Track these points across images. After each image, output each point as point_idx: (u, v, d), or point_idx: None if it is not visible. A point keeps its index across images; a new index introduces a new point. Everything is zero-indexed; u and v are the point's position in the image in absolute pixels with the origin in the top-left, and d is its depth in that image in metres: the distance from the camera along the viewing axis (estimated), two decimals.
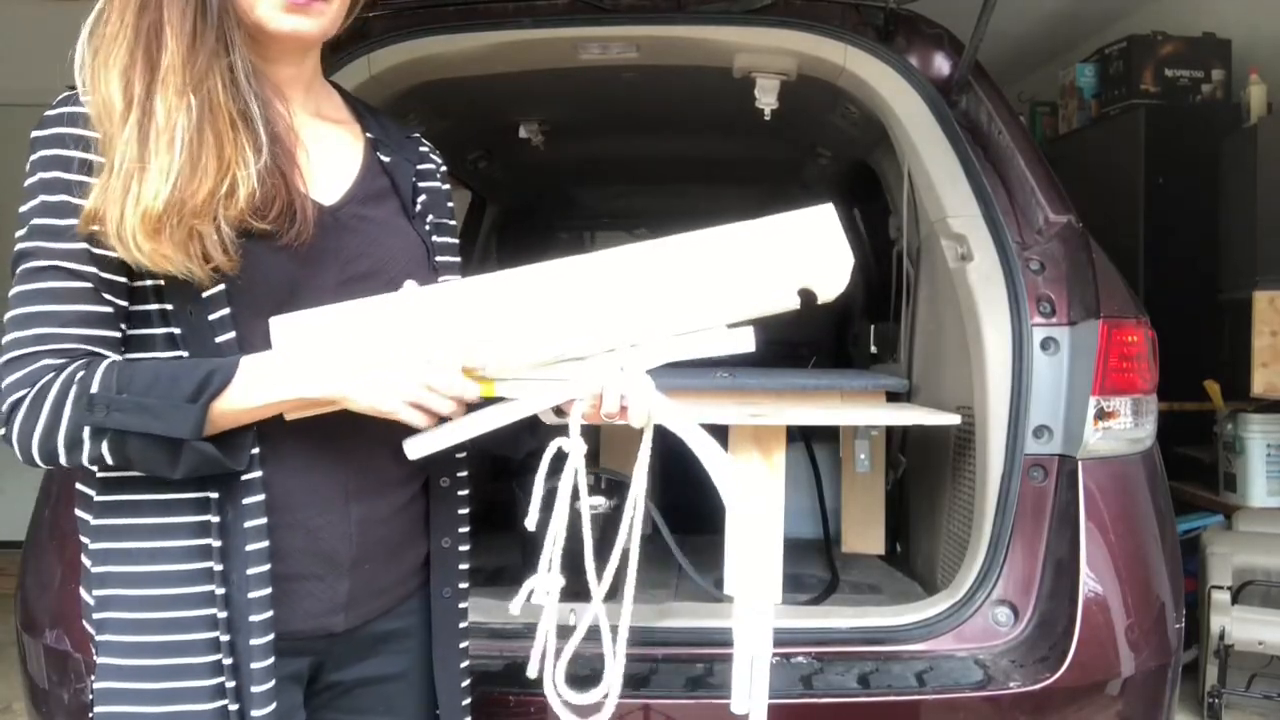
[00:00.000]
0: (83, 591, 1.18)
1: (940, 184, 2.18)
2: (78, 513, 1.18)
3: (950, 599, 1.90)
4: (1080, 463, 1.90)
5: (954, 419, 2.09)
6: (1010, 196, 2.14)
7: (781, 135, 2.93)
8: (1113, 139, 4.47)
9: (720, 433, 2.13)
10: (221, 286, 1.10)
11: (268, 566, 1.12)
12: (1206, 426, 3.78)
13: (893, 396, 2.49)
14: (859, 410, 2.38)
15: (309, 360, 1.09)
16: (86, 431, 1.04)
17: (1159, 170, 4.21)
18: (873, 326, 3.14)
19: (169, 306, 1.10)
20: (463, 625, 1.35)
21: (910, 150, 2.28)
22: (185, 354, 1.10)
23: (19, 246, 1.09)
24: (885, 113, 2.32)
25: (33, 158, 1.10)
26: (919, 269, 2.53)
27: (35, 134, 1.10)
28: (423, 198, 1.34)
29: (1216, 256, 4.03)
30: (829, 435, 2.91)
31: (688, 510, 2.83)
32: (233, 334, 1.11)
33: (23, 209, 1.10)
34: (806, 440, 2.97)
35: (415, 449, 1.17)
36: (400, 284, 1.17)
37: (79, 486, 1.17)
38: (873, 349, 3.10)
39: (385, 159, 1.31)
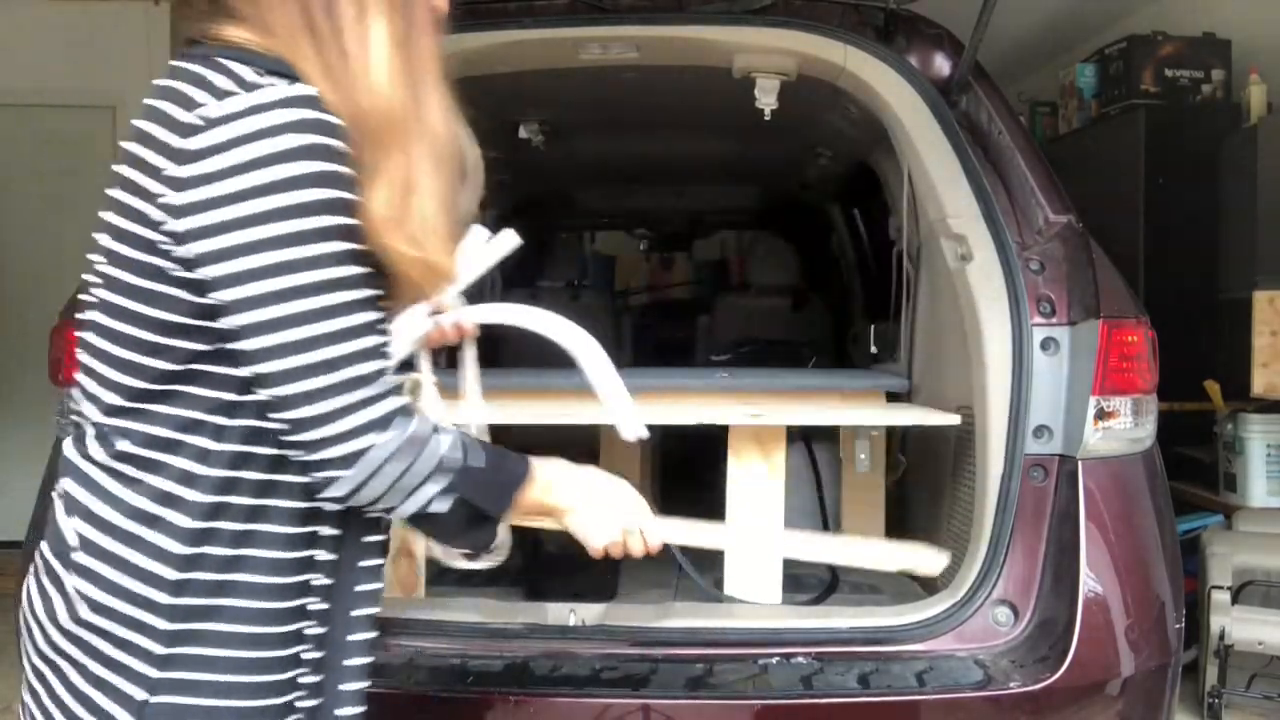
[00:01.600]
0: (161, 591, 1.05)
1: (940, 184, 2.18)
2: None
3: (950, 599, 1.90)
4: (1080, 463, 1.90)
5: (954, 419, 2.09)
6: (1010, 196, 2.14)
7: (781, 135, 2.93)
8: (1113, 139, 4.46)
9: (721, 432, 2.14)
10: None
11: (374, 610, 1.14)
12: (1206, 426, 3.78)
13: (893, 396, 2.49)
14: (859, 410, 2.38)
15: (568, 481, 1.19)
16: (435, 490, 1.06)
17: (1159, 170, 4.21)
18: (873, 326, 3.14)
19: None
20: None
21: (910, 150, 2.27)
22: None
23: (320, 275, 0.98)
24: (885, 113, 2.32)
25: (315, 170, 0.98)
26: (919, 269, 2.53)
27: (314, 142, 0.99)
28: None
29: (1216, 256, 4.02)
30: (829, 435, 2.91)
31: (688, 510, 2.83)
32: None
33: (307, 225, 0.97)
34: (806, 440, 2.97)
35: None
36: None
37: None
38: (873, 349, 3.10)
39: None
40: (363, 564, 1.14)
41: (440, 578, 2.40)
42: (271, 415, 1.02)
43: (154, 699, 1.02)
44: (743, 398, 2.35)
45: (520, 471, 1.14)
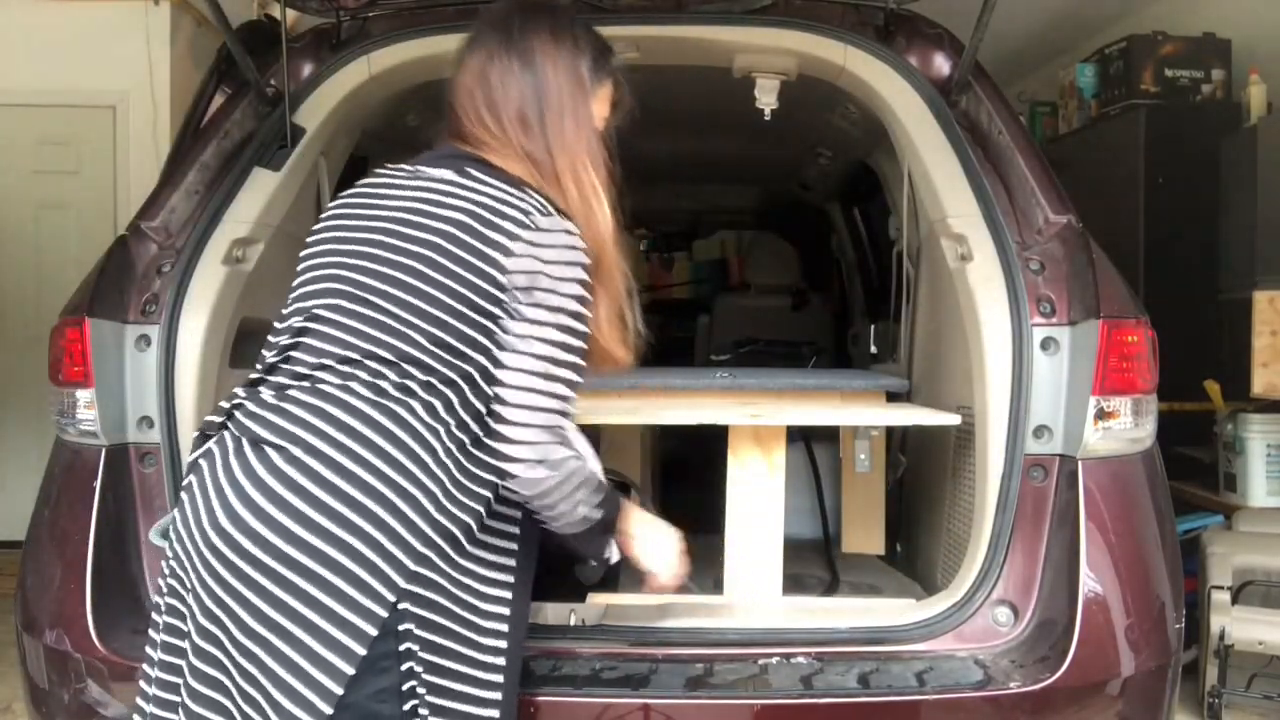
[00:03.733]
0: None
1: (940, 184, 2.18)
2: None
3: (950, 599, 1.90)
4: (1080, 462, 1.90)
5: (954, 419, 2.09)
6: (1010, 196, 2.14)
7: (781, 135, 2.93)
8: (1113, 139, 4.46)
9: (721, 433, 2.14)
10: None
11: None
12: (1206, 426, 3.78)
13: (893, 396, 2.49)
14: (859, 410, 2.38)
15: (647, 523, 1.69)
16: (591, 508, 1.49)
17: (1159, 170, 4.21)
18: (873, 326, 3.14)
19: None
20: None
21: (910, 150, 2.28)
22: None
23: (575, 343, 1.44)
24: (885, 113, 2.32)
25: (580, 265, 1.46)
26: (919, 269, 2.53)
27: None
28: None
29: (1216, 256, 4.03)
30: (829, 435, 2.91)
31: (688, 510, 2.83)
32: None
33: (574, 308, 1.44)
34: (806, 440, 2.97)
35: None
36: None
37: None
38: (873, 349, 3.10)
39: None
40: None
41: None
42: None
43: None
44: (743, 398, 2.35)
45: (618, 503, 1.58)
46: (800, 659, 1.84)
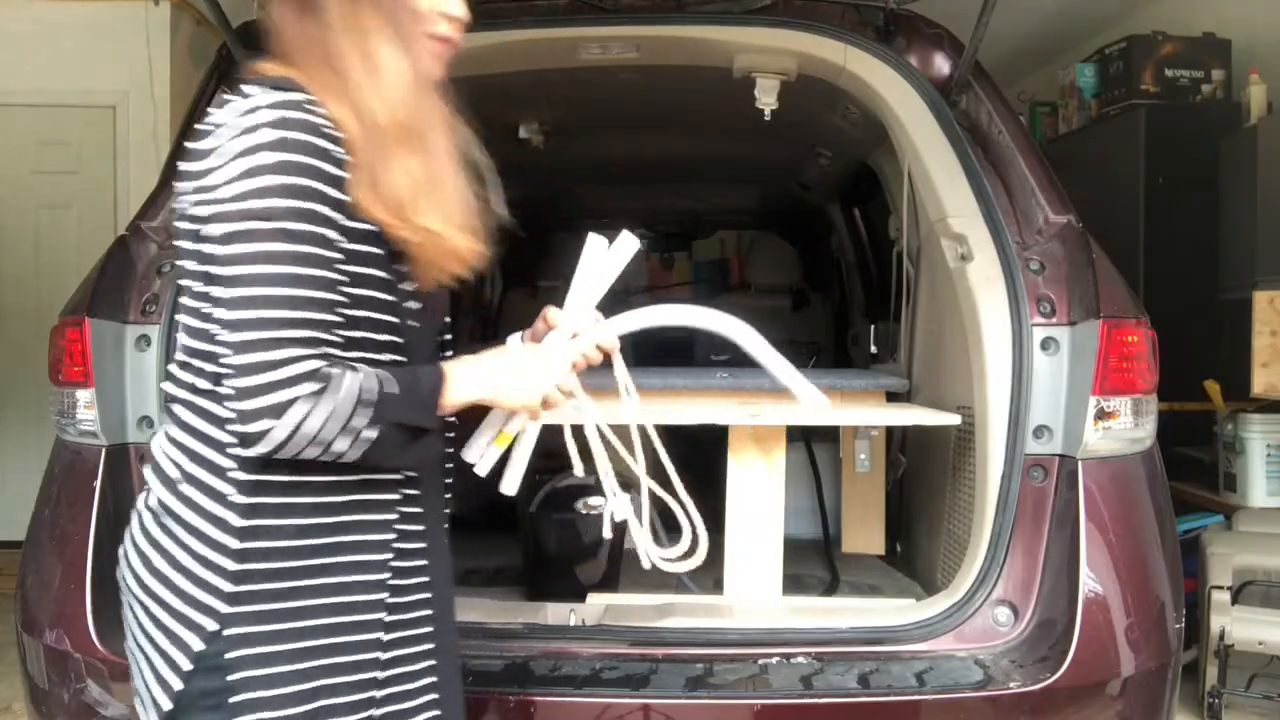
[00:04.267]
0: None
1: (940, 184, 2.18)
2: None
3: (950, 599, 1.90)
4: (1080, 463, 1.90)
5: (954, 419, 2.09)
6: (1010, 196, 2.14)
7: (781, 135, 2.93)
8: (1113, 139, 4.46)
9: (721, 433, 2.14)
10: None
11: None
12: (1206, 426, 3.78)
13: (893, 396, 2.49)
14: (859, 410, 2.38)
15: (478, 370, 1.30)
16: (363, 421, 1.16)
17: (1159, 170, 4.20)
18: (873, 326, 3.14)
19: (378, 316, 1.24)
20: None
21: (910, 150, 2.28)
22: (402, 359, 1.26)
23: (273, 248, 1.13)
24: (885, 113, 2.32)
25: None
26: (919, 269, 2.53)
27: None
28: None
29: (1216, 256, 4.02)
30: (829, 435, 2.91)
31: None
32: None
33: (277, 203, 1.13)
34: (806, 440, 2.97)
35: (510, 486, 1.38)
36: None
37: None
38: (873, 349, 3.10)
39: None
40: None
41: None
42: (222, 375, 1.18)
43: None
44: (743, 398, 2.35)
45: (433, 381, 1.24)
46: (800, 659, 1.84)
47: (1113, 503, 1.90)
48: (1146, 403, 1.94)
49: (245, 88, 1.20)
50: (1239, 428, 3.59)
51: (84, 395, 1.99)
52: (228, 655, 1.18)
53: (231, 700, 1.17)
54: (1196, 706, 3.19)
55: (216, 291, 1.16)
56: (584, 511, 2.32)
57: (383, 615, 1.26)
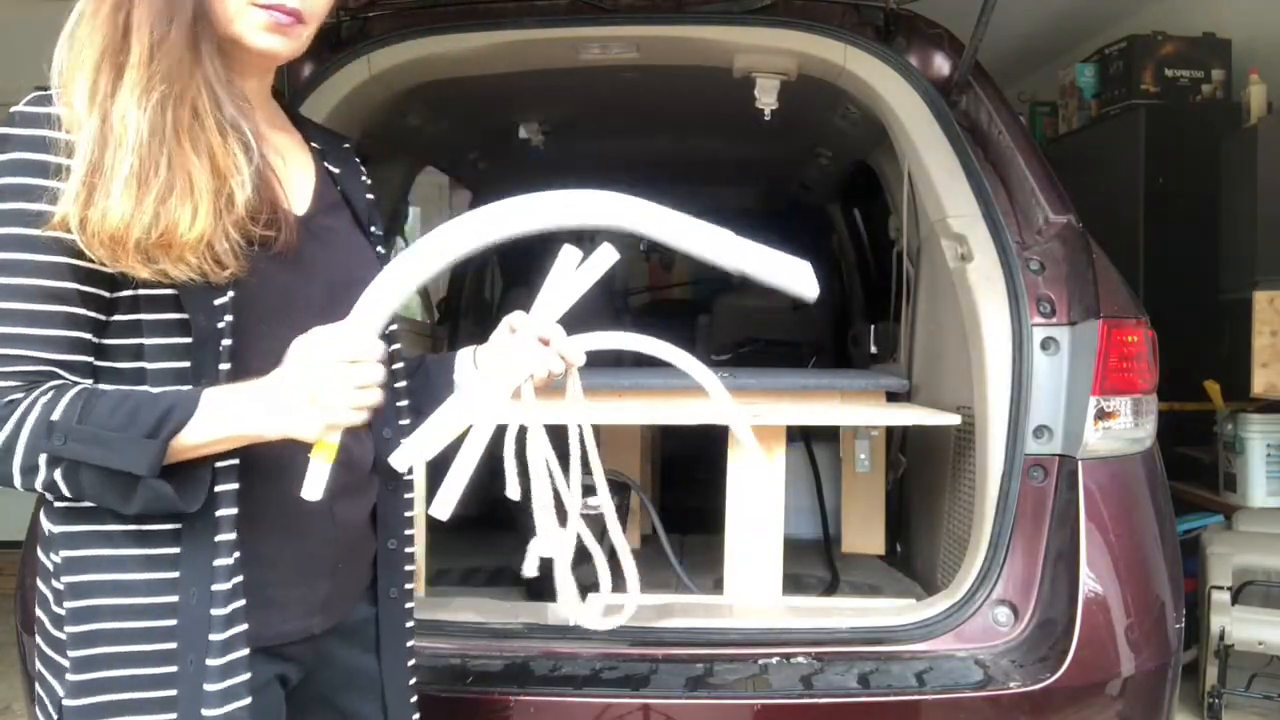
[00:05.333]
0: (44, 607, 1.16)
1: (940, 184, 2.18)
2: (46, 527, 1.13)
3: (950, 599, 1.90)
4: (1080, 463, 1.90)
5: (954, 419, 2.09)
6: (1010, 196, 2.14)
7: (781, 135, 2.93)
8: (1113, 139, 4.46)
9: (721, 433, 2.14)
10: (230, 294, 1.07)
11: (230, 584, 1.08)
12: (1206, 426, 3.78)
13: (893, 396, 2.49)
14: (859, 410, 2.38)
15: (254, 397, 1.04)
16: (43, 459, 1.01)
17: (1159, 170, 4.20)
18: (873, 326, 3.14)
19: (157, 317, 1.07)
20: (409, 625, 1.35)
21: (910, 150, 2.27)
22: (187, 364, 1.08)
23: None
24: (885, 113, 2.32)
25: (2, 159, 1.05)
26: (919, 269, 2.53)
27: (6, 132, 1.07)
28: (364, 208, 1.34)
29: (1216, 256, 4.02)
30: (829, 435, 2.91)
31: (688, 511, 2.83)
32: (229, 342, 1.08)
33: None
34: (806, 440, 2.97)
35: (403, 460, 1.14)
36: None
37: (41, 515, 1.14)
38: (873, 349, 3.10)
39: (334, 170, 1.32)
40: (217, 539, 1.09)
41: (440, 578, 2.40)
42: None
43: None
44: (743, 398, 2.35)
45: (156, 418, 1.01)
46: (800, 659, 1.83)
47: (1113, 503, 1.90)
48: (1146, 403, 1.94)
49: None
50: (1239, 428, 3.60)
51: None
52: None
53: None
54: (1196, 706, 3.19)
55: None
56: (583, 511, 2.31)
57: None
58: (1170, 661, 1.87)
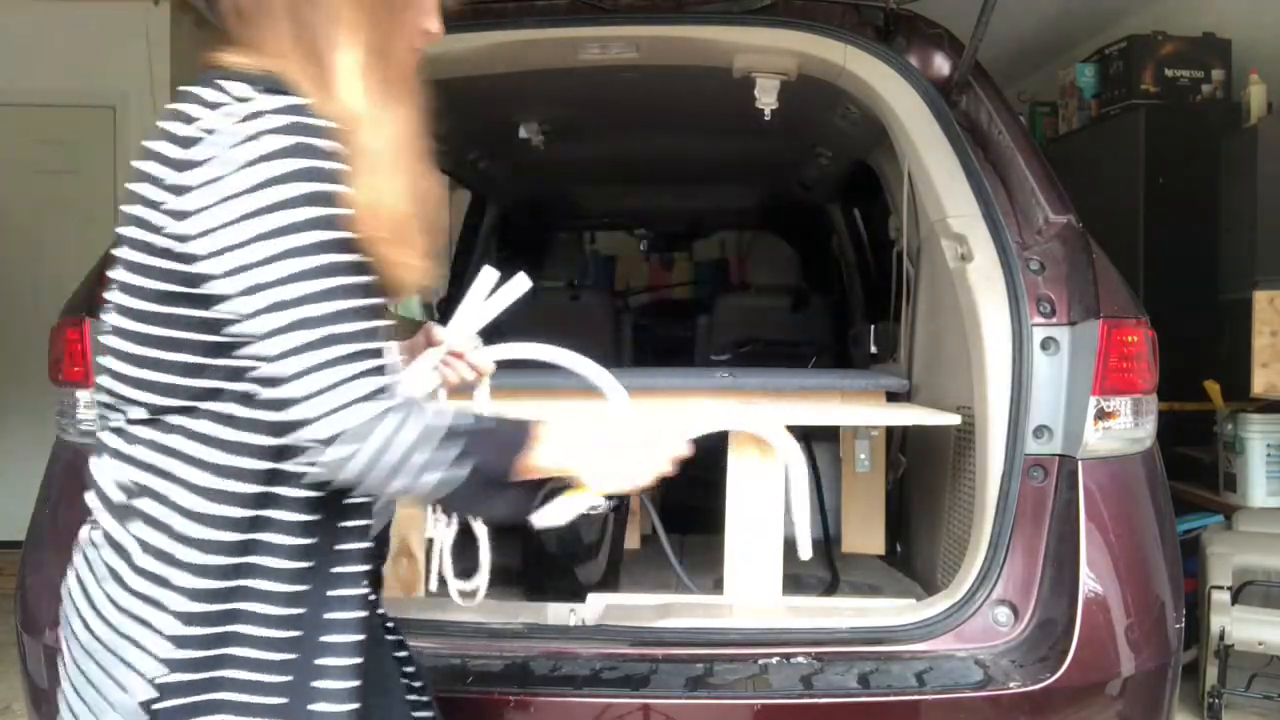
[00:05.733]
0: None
1: (940, 184, 2.18)
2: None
3: (950, 599, 1.90)
4: (1080, 463, 1.90)
5: (954, 419, 2.09)
6: (1010, 196, 2.14)
7: (781, 135, 2.93)
8: (1113, 139, 4.46)
9: (721, 433, 2.14)
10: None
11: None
12: (1206, 426, 3.78)
13: (893, 396, 2.49)
14: (859, 410, 2.38)
15: (577, 440, 1.18)
16: (451, 460, 1.07)
17: (1159, 170, 4.20)
18: (873, 326, 3.14)
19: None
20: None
21: (910, 150, 2.27)
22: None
23: (325, 260, 1.04)
24: (885, 113, 2.32)
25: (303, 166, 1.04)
26: (919, 269, 2.53)
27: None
28: None
29: (1216, 256, 4.02)
30: (829, 435, 2.91)
31: (688, 511, 2.83)
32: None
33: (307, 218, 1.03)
34: (806, 440, 2.97)
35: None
36: None
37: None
38: (873, 349, 3.10)
39: None
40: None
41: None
42: (276, 411, 1.07)
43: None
44: (743, 397, 2.35)
45: (522, 432, 1.14)
46: (800, 659, 1.83)
47: (1113, 503, 1.90)
48: (1146, 403, 1.94)
49: (231, 86, 1.07)
50: (1239, 428, 3.59)
51: (84, 395, 1.99)
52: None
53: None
54: (1196, 706, 3.19)
55: (251, 324, 1.04)
56: (584, 511, 2.32)
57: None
58: (1170, 661, 1.87)
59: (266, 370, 1.05)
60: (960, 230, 2.11)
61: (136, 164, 1.10)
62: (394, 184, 1.10)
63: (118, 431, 1.18)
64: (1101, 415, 1.89)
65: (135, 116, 5.19)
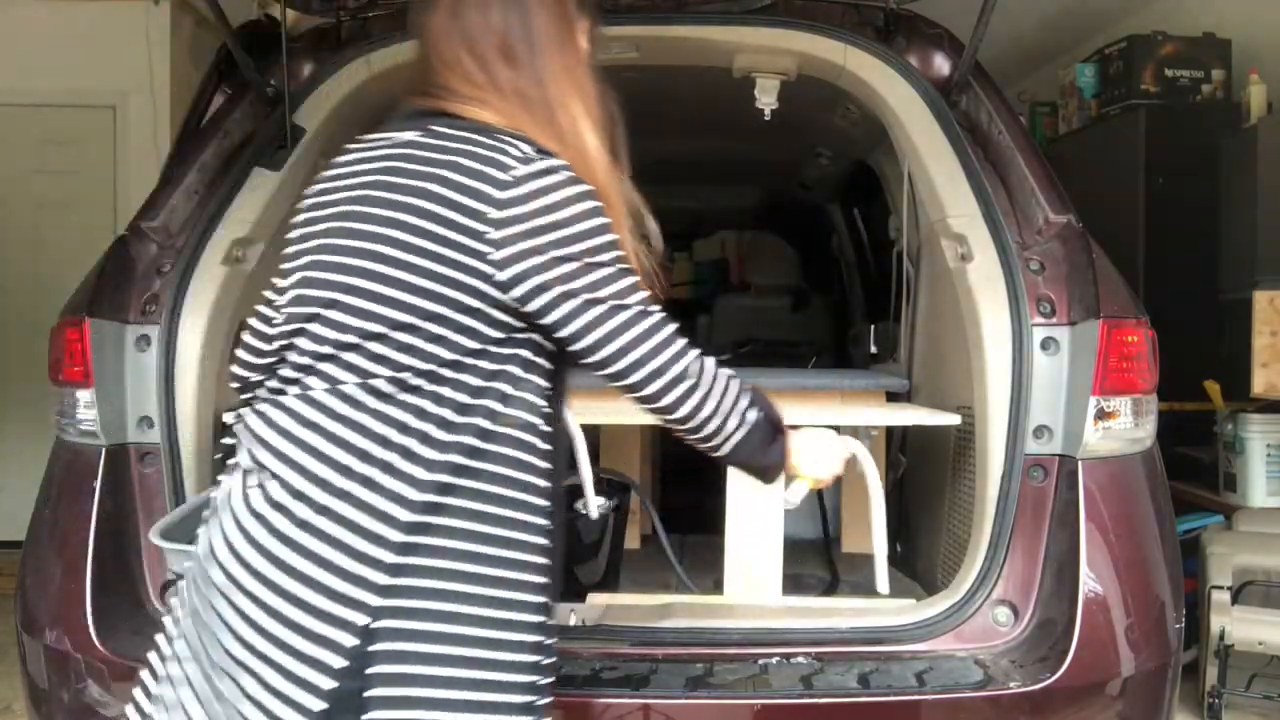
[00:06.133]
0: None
1: (940, 184, 2.18)
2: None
3: (950, 599, 1.90)
4: (1080, 463, 1.90)
5: (954, 419, 2.09)
6: (1010, 196, 2.14)
7: (781, 135, 2.93)
8: (1113, 139, 4.46)
9: None
10: None
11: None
12: (1206, 426, 3.78)
13: (893, 396, 2.49)
14: (859, 410, 2.38)
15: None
16: (746, 405, 1.38)
17: (1159, 170, 4.20)
18: (873, 326, 3.14)
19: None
20: None
21: (910, 150, 2.28)
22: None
23: (626, 267, 1.31)
24: (885, 113, 2.32)
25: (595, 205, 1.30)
26: (919, 269, 2.53)
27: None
28: None
29: (1216, 256, 4.02)
30: None
31: (687, 511, 2.83)
32: None
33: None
34: None
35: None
36: None
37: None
38: (873, 349, 3.10)
39: None
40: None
41: None
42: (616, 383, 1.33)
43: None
44: None
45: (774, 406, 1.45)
46: (800, 659, 1.84)
47: (1113, 503, 1.90)
48: (1146, 403, 1.94)
49: (518, 144, 1.29)
50: (1239, 428, 3.59)
51: (84, 395, 1.99)
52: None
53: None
54: (1196, 706, 3.19)
55: (578, 324, 1.28)
56: (584, 511, 2.32)
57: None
58: (1170, 661, 1.87)
59: (597, 341, 1.28)
60: (960, 230, 2.11)
61: (429, 185, 1.28)
62: (618, 208, 1.36)
63: (375, 392, 1.27)
64: (1101, 415, 1.89)
65: (135, 116, 5.20)
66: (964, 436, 2.13)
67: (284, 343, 1.35)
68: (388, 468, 1.24)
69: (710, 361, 1.36)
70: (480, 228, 1.26)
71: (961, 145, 2.18)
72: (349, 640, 1.21)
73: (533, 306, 1.27)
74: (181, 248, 2.12)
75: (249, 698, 1.22)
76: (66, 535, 1.98)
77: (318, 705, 1.20)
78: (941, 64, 2.32)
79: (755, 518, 2.12)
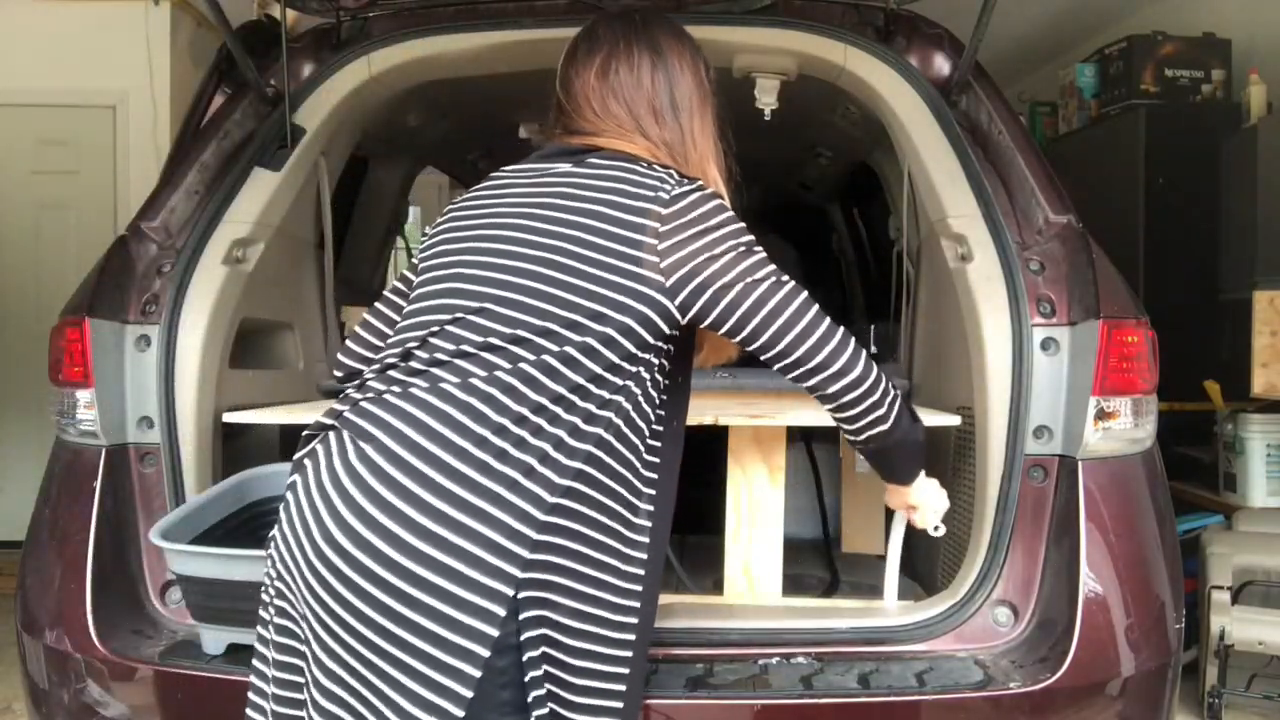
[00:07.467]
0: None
1: (940, 184, 2.18)
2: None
3: (950, 599, 1.90)
4: (1080, 463, 1.90)
5: (954, 419, 2.09)
6: (1010, 196, 2.14)
7: (781, 135, 2.93)
8: (1113, 139, 4.47)
9: (721, 433, 2.14)
10: None
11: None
12: (1206, 426, 3.78)
13: None
14: None
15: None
16: (899, 397, 1.53)
17: (1159, 170, 4.21)
18: (873, 326, 3.14)
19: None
20: None
21: (910, 150, 2.27)
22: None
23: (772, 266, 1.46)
24: (885, 113, 2.32)
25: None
26: (919, 269, 2.53)
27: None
28: None
29: (1216, 256, 4.03)
30: (829, 435, 2.91)
31: (688, 511, 2.83)
32: None
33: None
34: (806, 440, 2.97)
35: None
36: None
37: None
38: (873, 349, 3.10)
39: None
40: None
41: None
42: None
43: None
44: (743, 398, 2.35)
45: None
46: (800, 659, 1.84)
47: (1113, 503, 1.90)
48: (1146, 403, 1.94)
49: (662, 171, 1.47)
50: (1239, 428, 3.60)
51: (84, 395, 1.99)
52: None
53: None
54: (1196, 706, 3.19)
55: (740, 318, 1.43)
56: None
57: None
58: (1170, 661, 1.87)
59: (760, 330, 1.44)
60: (960, 230, 2.11)
61: (604, 209, 1.43)
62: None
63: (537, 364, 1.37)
64: (1101, 415, 1.89)
65: (135, 116, 5.20)
66: (964, 437, 2.13)
67: (417, 336, 1.42)
68: (527, 469, 1.33)
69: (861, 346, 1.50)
70: (650, 240, 1.41)
71: (961, 145, 2.18)
72: (491, 629, 1.28)
73: (698, 304, 1.42)
74: (181, 248, 2.12)
75: (396, 688, 1.28)
76: (66, 535, 1.98)
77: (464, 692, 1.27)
78: (941, 64, 2.32)
79: (755, 518, 2.12)
